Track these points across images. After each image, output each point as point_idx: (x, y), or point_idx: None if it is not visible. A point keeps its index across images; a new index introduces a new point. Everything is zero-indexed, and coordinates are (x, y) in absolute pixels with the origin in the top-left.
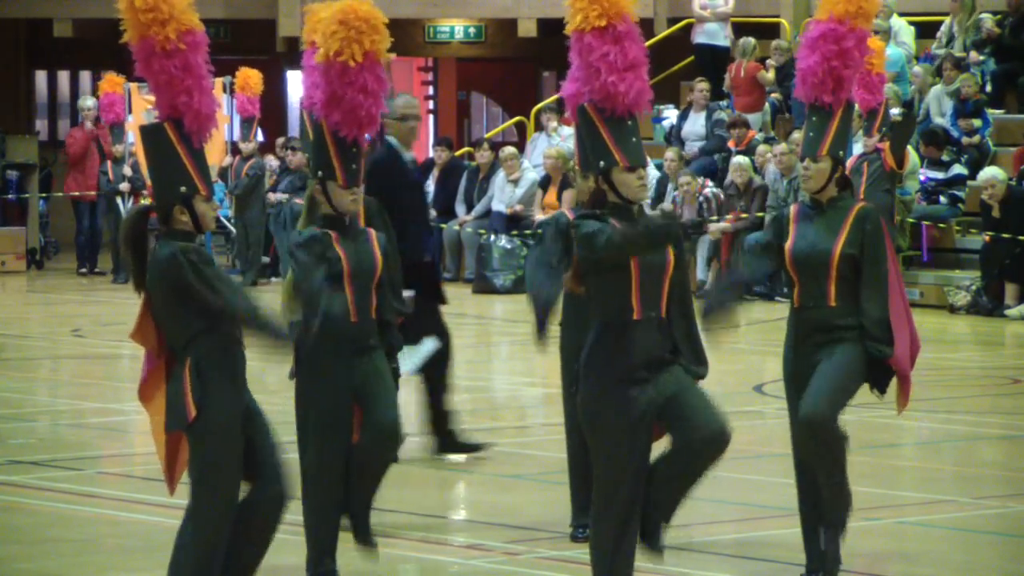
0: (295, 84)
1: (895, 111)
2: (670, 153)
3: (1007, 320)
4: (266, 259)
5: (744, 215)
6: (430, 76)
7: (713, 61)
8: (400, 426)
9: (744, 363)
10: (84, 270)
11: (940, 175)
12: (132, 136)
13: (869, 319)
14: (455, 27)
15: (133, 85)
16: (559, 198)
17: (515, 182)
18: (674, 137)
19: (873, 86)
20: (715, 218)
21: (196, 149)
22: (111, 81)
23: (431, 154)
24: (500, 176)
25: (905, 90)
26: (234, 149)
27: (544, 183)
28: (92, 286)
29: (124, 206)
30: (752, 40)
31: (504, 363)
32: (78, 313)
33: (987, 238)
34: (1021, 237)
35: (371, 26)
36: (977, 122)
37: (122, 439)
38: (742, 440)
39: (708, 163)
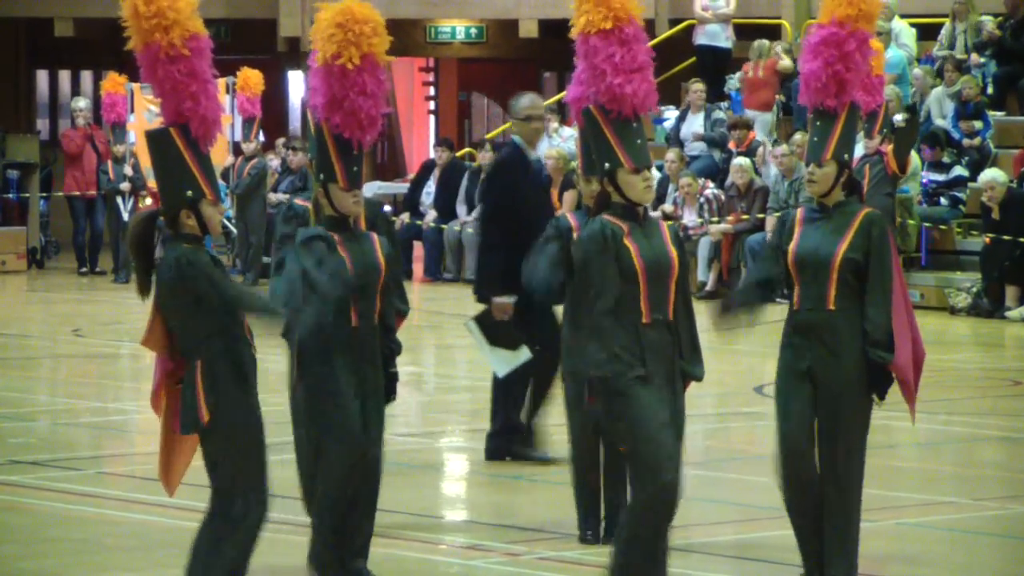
0: (296, 84)
1: (898, 117)
2: (671, 154)
3: (1007, 322)
4: (267, 259)
5: (745, 216)
6: (431, 77)
7: (714, 62)
8: (380, 463)
9: (744, 364)
10: (84, 270)
11: (941, 177)
12: (133, 136)
13: (872, 324)
14: (456, 28)
15: (135, 85)
16: (560, 199)
17: None
18: (672, 138)
19: (873, 88)
20: (716, 219)
21: (202, 154)
22: (113, 81)
23: (432, 155)
24: None
25: (906, 92)
26: (236, 149)
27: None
28: (92, 286)
29: (124, 205)
30: (767, 42)
31: None
32: (78, 313)
33: (987, 240)
34: (1021, 239)
35: (369, 28)
36: (978, 124)
37: (122, 439)
38: (742, 441)
39: (709, 164)
